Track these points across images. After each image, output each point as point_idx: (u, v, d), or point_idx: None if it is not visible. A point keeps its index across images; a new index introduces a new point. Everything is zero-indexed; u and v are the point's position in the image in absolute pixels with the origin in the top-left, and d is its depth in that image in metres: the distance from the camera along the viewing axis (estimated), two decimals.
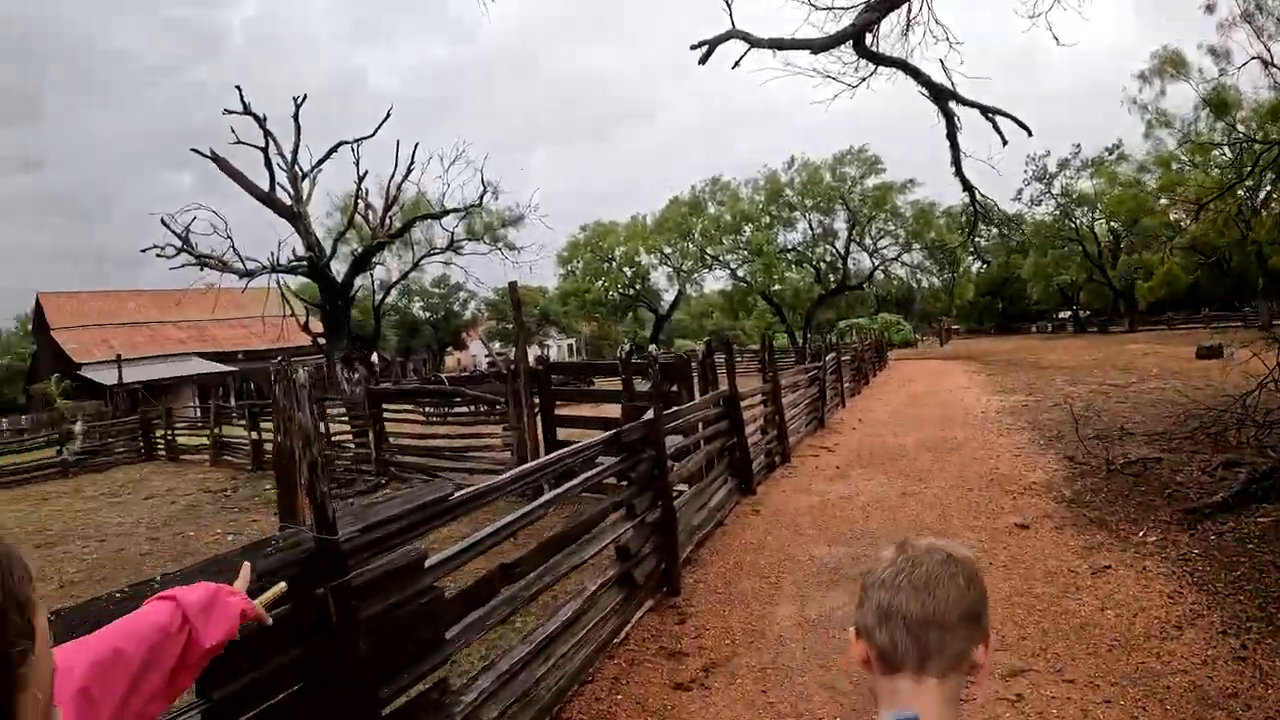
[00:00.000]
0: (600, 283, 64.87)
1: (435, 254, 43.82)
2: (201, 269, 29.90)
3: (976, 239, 55.41)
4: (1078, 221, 62.07)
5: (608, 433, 6.78)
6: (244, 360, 51.45)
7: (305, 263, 30.04)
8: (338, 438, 18.81)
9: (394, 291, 59.54)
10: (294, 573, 3.21)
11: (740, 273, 59.44)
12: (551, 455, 5.78)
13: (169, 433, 27.63)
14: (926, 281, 63.92)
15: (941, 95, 16.06)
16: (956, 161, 17.61)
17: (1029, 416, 16.98)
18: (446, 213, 37.58)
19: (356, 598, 3.41)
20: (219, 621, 1.77)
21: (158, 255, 29.17)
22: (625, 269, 64.51)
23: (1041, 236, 62.46)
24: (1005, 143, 16.69)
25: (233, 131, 29.73)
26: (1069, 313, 76.99)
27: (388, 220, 34.86)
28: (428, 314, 78.15)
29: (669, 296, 69.19)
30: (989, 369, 33.43)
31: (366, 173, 33.21)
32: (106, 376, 43.22)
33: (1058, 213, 62.64)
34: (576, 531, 5.69)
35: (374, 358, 54.95)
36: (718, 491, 10.02)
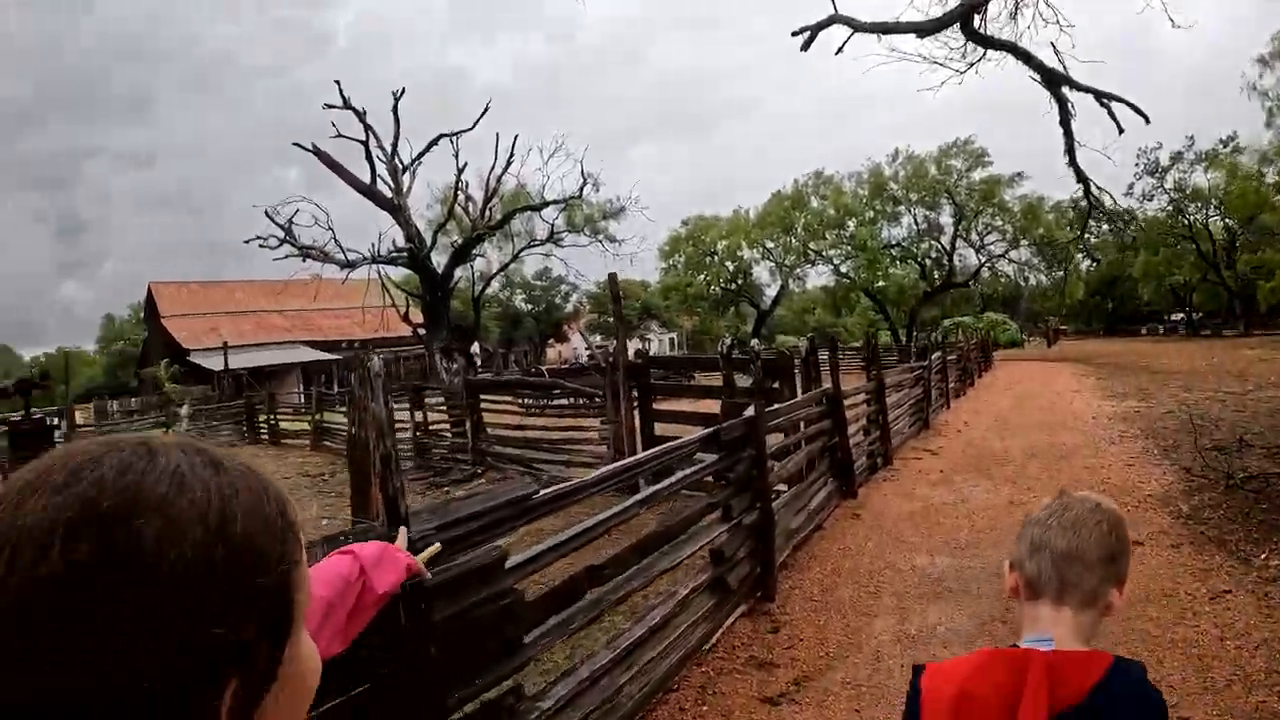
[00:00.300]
0: (702, 277, 64.08)
1: (535, 246, 43.65)
2: (304, 260, 30.17)
3: (1088, 235, 54.22)
4: (1191, 218, 59.72)
5: (706, 430, 6.51)
6: (348, 349, 52.34)
7: (405, 254, 30.12)
8: (435, 427, 18.89)
9: (496, 283, 59.85)
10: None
11: (843, 269, 58.50)
12: (647, 453, 5.55)
13: (272, 417, 28.25)
14: (1034, 279, 62.38)
15: (1054, 80, 15.43)
16: (1070, 151, 16.94)
17: (1142, 423, 16.20)
18: (546, 204, 37.15)
19: (429, 599, 3.24)
20: (388, 572, 2.07)
21: (260, 246, 29.55)
22: (727, 263, 63.56)
23: (1153, 234, 60.40)
24: (1121, 131, 15.99)
25: (334, 126, 29.82)
26: (1180, 315, 74.68)
27: (487, 212, 34.75)
28: (530, 306, 78.58)
29: (771, 292, 68.37)
30: (1099, 372, 32.26)
31: (466, 164, 32.96)
32: (214, 362, 44.37)
33: (1170, 208, 60.23)
34: (671, 532, 5.50)
35: (475, 348, 55.24)
36: (818, 493, 9.71)
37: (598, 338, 73.69)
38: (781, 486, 8.83)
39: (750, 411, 7.14)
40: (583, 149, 60.76)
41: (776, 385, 11.30)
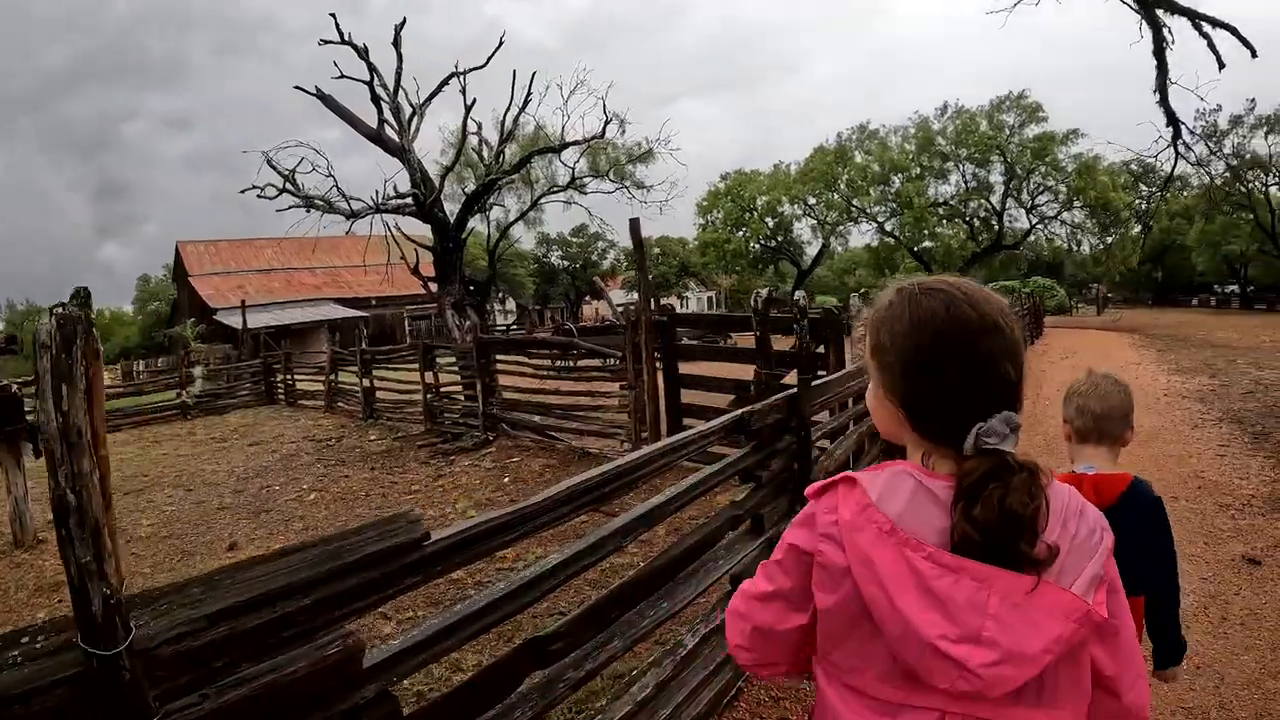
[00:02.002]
0: (741, 233, 62.40)
1: (556, 191, 41.58)
2: (308, 210, 28.73)
3: (1139, 201, 52.18)
4: (1249, 185, 57.44)
5: (726, 416, 4.67)
6: (377, 306, 51.79)
7: (410, 200, 28.44)
8: (447, 389, 17.82)
9: (531, 238, 58.40)
10: (58, 699, 1.62)
11: (888, 227, 56.93)
12: (634, 456, 3.59)
13: (288, 377, 27.70)
14: (1087, 244, 60.23)
15: (1147, 1, 13.44)
16: (1161, 86, 14.95)
17: (1221, 405, 14.47)
18: (566, 145, 34.75)
19: None
20: None
21: (259, 196, 28.12)
22: (767, 219, 61.92)
23: (1209, 201, 58.50)
24: (1222, 66, 14.05)
25: (336, 66, 28.27)
26: (1232, 286, 72.87)
27: (503, 156, 32.67)
28: (566, 262, 78.22)
29: (812, 250, 66.43)
30: (1157, 344, 30.25)
31: (475, 101, 30.57)
32: (240, 321, 43.84)
33: (1227, 175, 57.84)
34: (668, 570, 3.82)
35: (511, 304, 53.74)
36: None
37: (636, 295, 72.39)
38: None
39: (795, 383, 5.43)
40: (606, 85, 58.45)
41: (822, 349, 9.74)
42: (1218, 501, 8.35)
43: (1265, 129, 55.45)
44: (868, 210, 56.45)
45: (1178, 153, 17.74)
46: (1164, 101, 15.49)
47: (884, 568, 1.41)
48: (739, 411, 4.62)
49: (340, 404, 23.30)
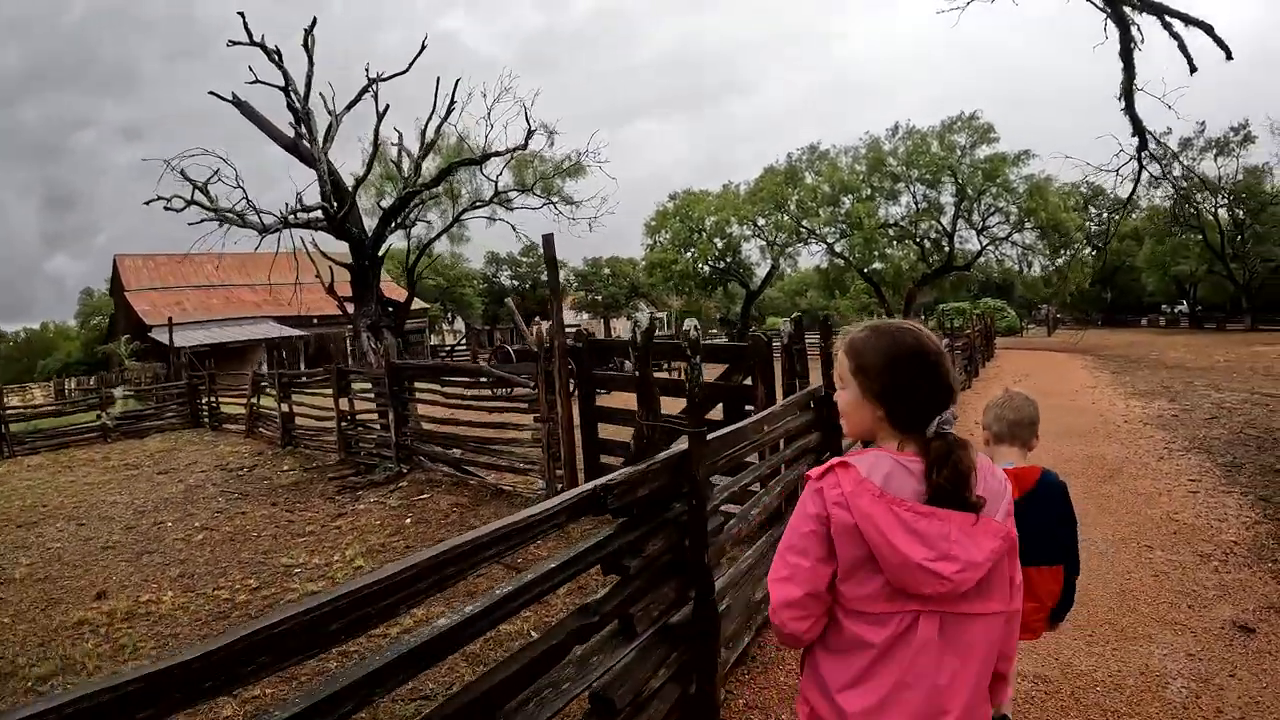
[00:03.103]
0: (689, 254, 61.18)
1: (479, 206, 39.94)
2: (220, 224, 27.06)
3: (1089, 223, 52.10)
4: (1199, 207, 57.53)
5: (572, 492, 3.33)
6: (319, 324, 50.58)
7: (320, 213, 26.87)
8: (363, 417, 16.89)
9: (480, 258, 57.33)
10: None
11: (838, 248, 56.09)
12: (394, 570, 2.15)
13: (212, 399, 27.01)
14: (1038, 265, 60.00)
15: None
16: (1127, 91, 13.97)
17: (1185, 433, 13.77)
18: (488, 157, 32.42)
19: None
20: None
21: (165, 209, 26.44)
22: (715, 240, 60.69)
23: (1159, 222, 58.92)
24: (1194, 69, 13.16)
25: (251, 71, 26.52)
26: (1182, 306, 74.37)
27: (423, 168, 30.91)
28: (515, 282, 77.68)
29: (761, 272, 65.35)
30: (1111, 366, 30.07)
31: (388, 107, 27.59)
32: (178, 338, 42.62)
33: (1177, 196, 58.06)
34: (477, 708, 2.66)
35: (475, 324, 52.52)
36: None
37: (585, 316, 72.03)
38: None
39: (684, 440, 4.16)
40: (533, 93, 57.44)
41: (748, 380, 8.72)
42: (1197, 551, 7.45)
43: (1215, 151, 56.20)
44: (817, 231, 55.71)
45: (1142, 165, 16.59)
46: (1130, 108, 14.58)
47: (880, 520, 2.06)
48: (589, 485, 3.38)
49: (262, 429, 22.50)
